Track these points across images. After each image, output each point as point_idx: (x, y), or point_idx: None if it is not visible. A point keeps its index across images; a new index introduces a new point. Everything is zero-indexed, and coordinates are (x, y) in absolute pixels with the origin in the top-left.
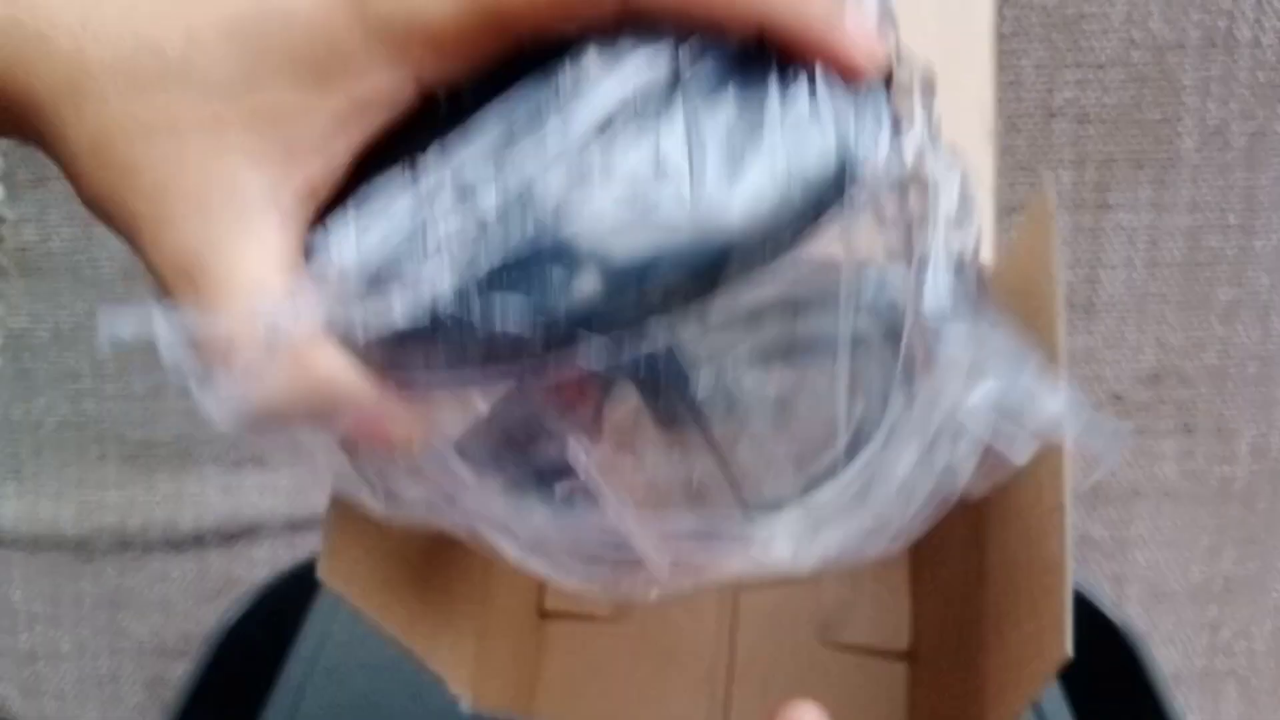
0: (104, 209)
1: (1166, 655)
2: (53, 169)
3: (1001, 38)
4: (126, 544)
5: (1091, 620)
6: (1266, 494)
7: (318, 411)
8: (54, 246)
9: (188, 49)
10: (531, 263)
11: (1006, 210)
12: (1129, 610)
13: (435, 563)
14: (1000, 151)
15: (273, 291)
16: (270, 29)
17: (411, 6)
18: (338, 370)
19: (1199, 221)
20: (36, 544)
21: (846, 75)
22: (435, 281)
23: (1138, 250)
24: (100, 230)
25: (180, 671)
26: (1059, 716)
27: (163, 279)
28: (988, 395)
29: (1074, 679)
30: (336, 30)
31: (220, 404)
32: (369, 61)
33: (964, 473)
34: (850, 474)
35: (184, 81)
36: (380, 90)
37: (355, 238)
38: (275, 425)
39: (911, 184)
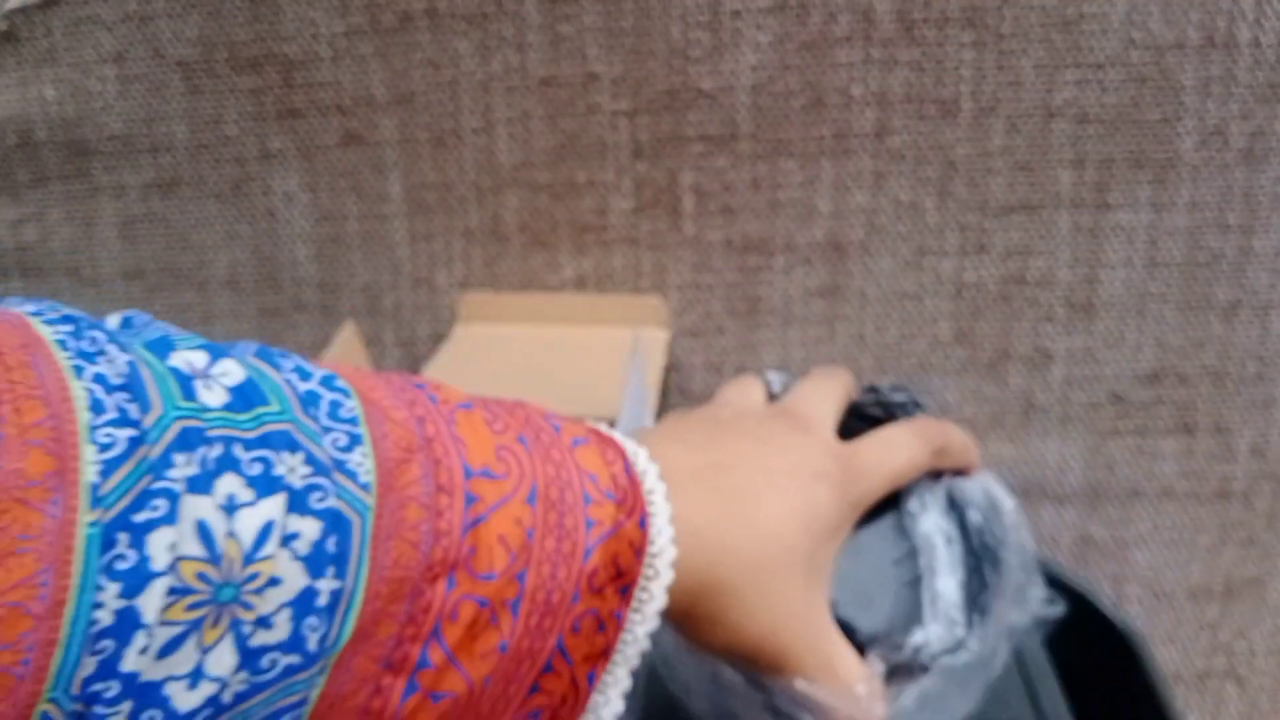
0: (747, 651)
1: (1166, 655)
2: (53, 169)
3: (1001, 37)
4: None
5: (1091, 620)
6: (1266, 494)
7: None
8: (54, 246)
9: (792, 539)
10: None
11: (1006, 210)
12: (1129, 610)
13: None
14: (999, 151)
15: (866, 677)
16: (817, 518)
17: (869, 489)
18: None
19: (1199, 221)
20: None
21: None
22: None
23: (1137, 250)
24: (100, 230)
25: None
26: (1059, 716)
27: (814, 674)
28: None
29: (1074, 679)
30: (841, 509)
31: None
32: (848, 521)
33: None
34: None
35: (791, 560)
36: (846, 535)
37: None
38: None
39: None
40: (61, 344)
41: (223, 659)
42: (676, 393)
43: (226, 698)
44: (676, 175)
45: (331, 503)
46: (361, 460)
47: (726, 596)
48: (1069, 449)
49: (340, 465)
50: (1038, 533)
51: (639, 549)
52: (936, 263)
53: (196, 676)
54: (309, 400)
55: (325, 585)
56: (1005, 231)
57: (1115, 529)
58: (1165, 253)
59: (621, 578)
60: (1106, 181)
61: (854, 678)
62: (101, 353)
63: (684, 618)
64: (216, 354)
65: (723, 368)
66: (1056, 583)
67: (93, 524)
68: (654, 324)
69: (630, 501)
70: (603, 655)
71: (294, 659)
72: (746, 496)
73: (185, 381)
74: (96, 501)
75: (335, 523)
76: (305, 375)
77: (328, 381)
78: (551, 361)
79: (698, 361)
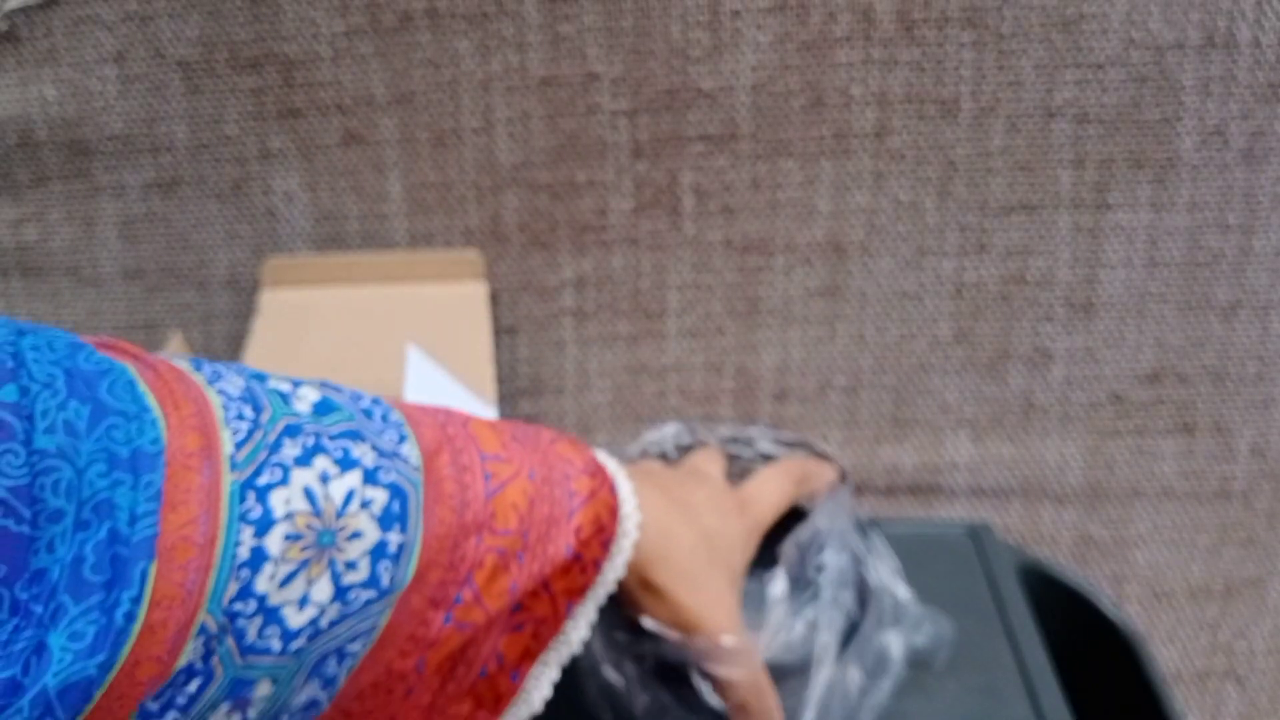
0: (679, 620)
1: (1166, 655)
2: (53, 169)
3: (1001, 38)
4: None
5: (1091, 620)
6: (1266, 494)
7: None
8: (54, 246)
9: (730, 554)
10: None
11: (1006, 210)
12: (1129, 610)
13: None
14: (999, 151)
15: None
16: (740, 542)
17: (763, 522)
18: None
19: (1199, 221)
20: None
21: None
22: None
23: (1137, 250)
24: (100, 230)
25: None
26: (1059, 716)
27: (711, 631)
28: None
29: (1074, 679)
30: (750, 537)
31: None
32: (751, 547)
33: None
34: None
35: (726, 567)
36: (750, 560)
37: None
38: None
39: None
40: (196, 367)
41: (323, 590)
42: (676, 393)
43: (323, 622)
44: (676, 175)
45: (394, 478)
46: (410, 450)
47: (675, 570)
48: (1069, 449)
49: (395, 454)
50: (1038, 533)
51: (614, 510)
52: (936, 263)
53: (304, 602)
54: (368, 413)
55: (394, 538)
56: (1005, 231)
57: (1115, 529)
58: (1165, 253)
59: (603, 532)
60: (1106, 181)
61: (747, 641)
62: (222, 376)
63: (640, 584)
64: (297, 383)
65: (723, 368)
66: (1056, 583)
67: (234, 483)
68: (471, 278)
69: (601, 477)
70: (581, 591)
71: (371, 594)
72: (688, 506)
73: (284, 396)
74: (234, 466)
75: (397, 492)
76: (358, 398)
77: (376, 401)
78: (371, 324)
79: (698, 362)
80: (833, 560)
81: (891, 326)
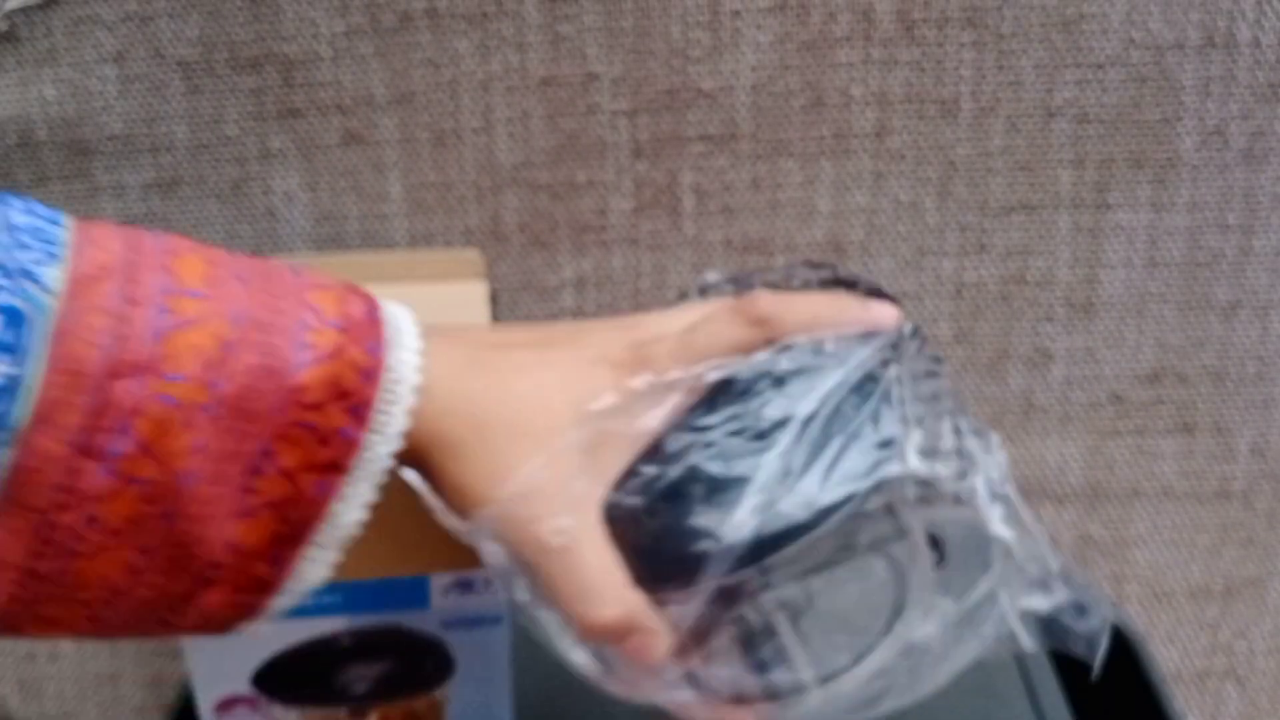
0: (474, 502)
1: (1166, 655)
2: (53, 169)
3: (1001, 37)
4: None
5: None
6: (1266, 494)
7: (620, 635)
8: None
9: (545, 411)
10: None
11: (1006, 210)
12: (1129, 610)
13: None
14: (999, 151)
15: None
16: (588, 397)
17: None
18: (644, 608)
19: (1199, 221)
20: None
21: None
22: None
23: (1137, 250)
24: None
25: (180, 671)
26: (1059, 716)
27: (542, 549)
28: (1040, 605)
29: (1074, 679)
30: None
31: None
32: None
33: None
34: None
35: (545, 428)
36: (648, 428)
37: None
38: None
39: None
40: None
41: None
42: None
43: None
44: (676, 175)
45: (9, 299)
46: (51, 273)
47: (456, 448)
48: (1069, 449)
49: (25, 273)
50: None
51: (368, 372)
52: (936, 263)
53: None
54: (15, 228)
55: (1, 369)
56: (1005, 231)
57: (1115, 529)
58: (1165, 253)
59: (348, 398)
60: (1106, 181)
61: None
62: None
63: (421, 462)
64: None
65: None
66: None
67: None
68: (471, 278)
69: (360, 332)
70: (333, 468)
71: None
72: (511, 371)
73: None
74: None
75: (12, 316)
76: (31, 211)
77: (51, 218)
78: None
79: None
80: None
81: None
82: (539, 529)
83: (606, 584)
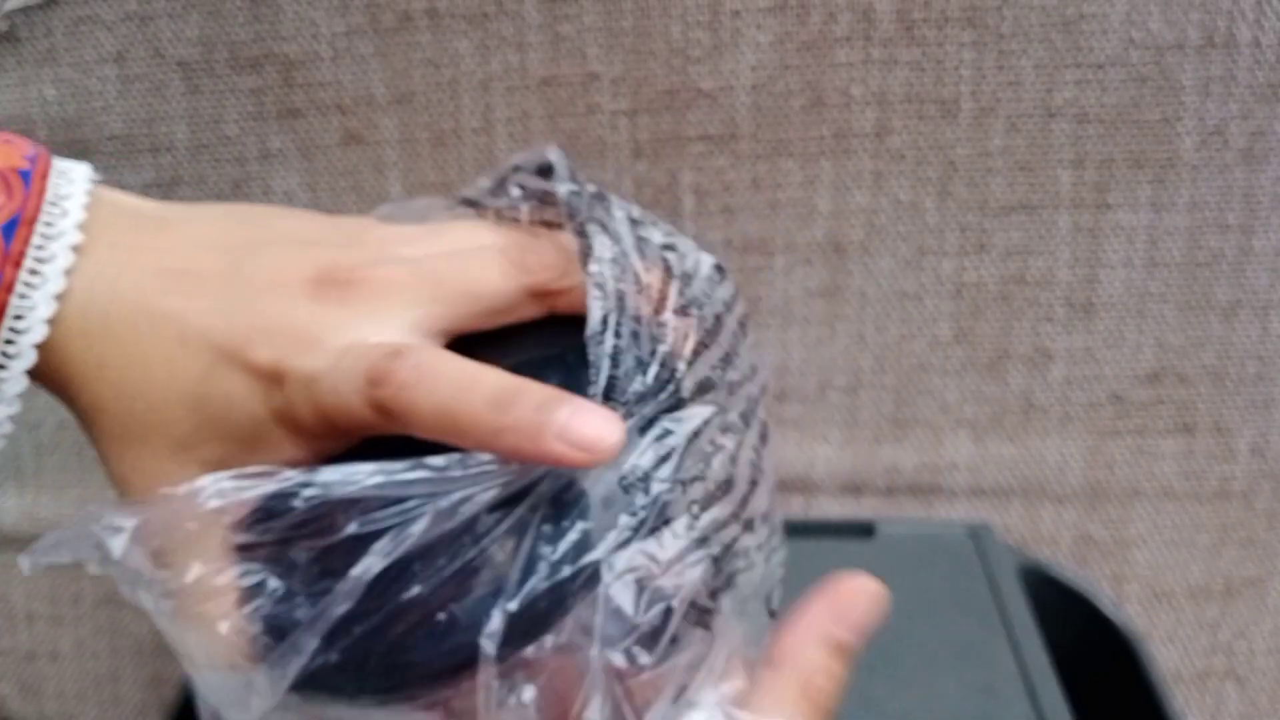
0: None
1: (1166, 655)
2: None
3: (1001, 37)
4: None
5: (1091, 620)
6: (1266, 494)
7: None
8: None
9: (164, 411)
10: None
11: (1006, 210)
12: (1129, 610)
13: None
14: (999, 151)
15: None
16: (215, 409)
17: (290, 408)
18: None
19: (1199, 221)
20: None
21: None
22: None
23: (1137, 250)
24: None
25: (180, 671)
26: (1059, 716)
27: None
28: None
29: (1074, 679)
30: (257, 417)
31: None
32: (278, 440)
33: None
34: None
35: (159, 433)
36: (288, 458)
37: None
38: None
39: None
40: None
41: None
42: None
43: None
44: (676, 175)
45: None
46: None
47: (83, 420)
48: (1069, 449)
49: None
50: (1038, 533)
51: None
52: (936, 263)
53: None
54: None
55: None
56: (1005, 231)
57: (1115, 529)
58: (1165, 253)
59: None
60: (1106, 181)
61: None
62: None
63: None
64: None
65: None
66: (1056, 583)
67: None
68: None
69: None
70: None
71: None
72: (146, 339)
73: None
74: None
75: None
76: None
77: None
78: None
79: None
80: None
81: (891, 326)
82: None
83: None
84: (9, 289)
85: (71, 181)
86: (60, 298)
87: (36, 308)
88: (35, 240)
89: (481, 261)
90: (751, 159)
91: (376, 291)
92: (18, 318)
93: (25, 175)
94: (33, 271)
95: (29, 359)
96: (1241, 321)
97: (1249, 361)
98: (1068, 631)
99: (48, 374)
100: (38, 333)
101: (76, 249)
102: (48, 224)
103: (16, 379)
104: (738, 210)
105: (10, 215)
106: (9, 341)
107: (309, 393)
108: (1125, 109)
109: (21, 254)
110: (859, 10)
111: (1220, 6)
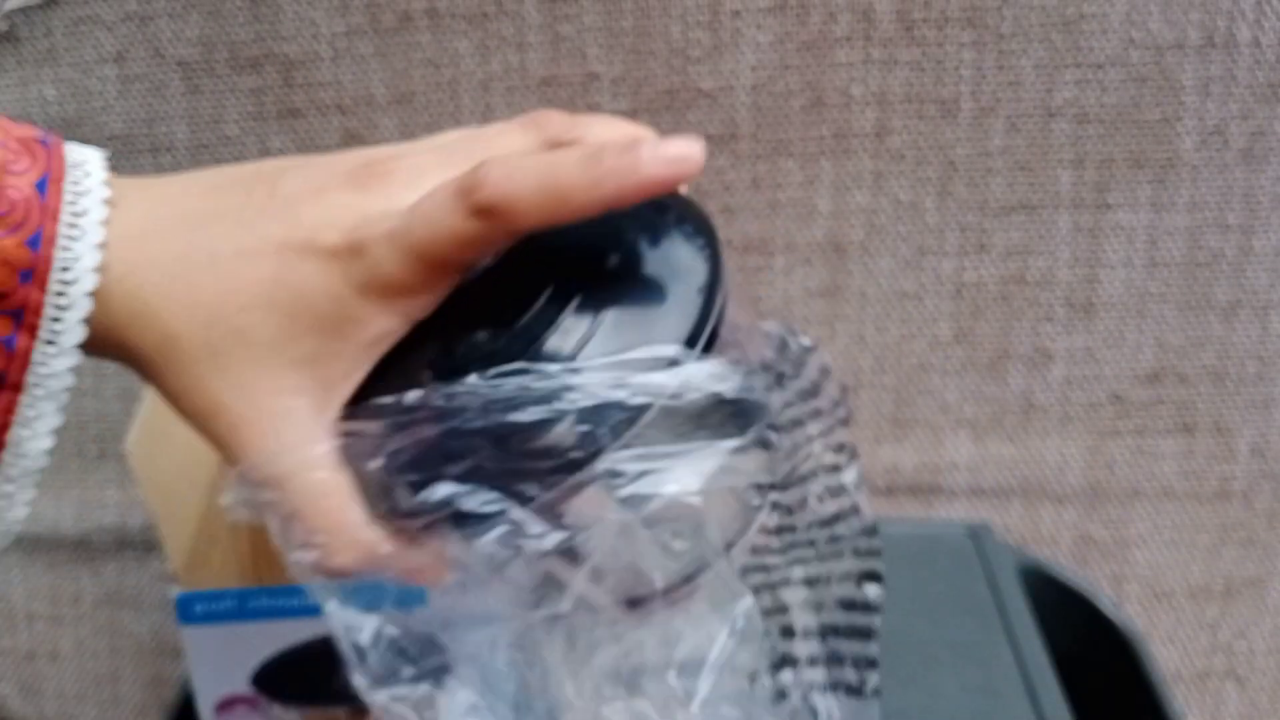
0: (197, 429)
1: (1166, 655)
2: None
3: (1001, 37)
4: (126, 544)
5: (1091, 620)
6: (1266, 494)
7: (372, 571)
8: None
9: (241, 318)
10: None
11: (1006, 210)
12: (1129, 610)
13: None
14: (999, 151)
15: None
16: (295, 303)
17: (377, 271)
18: (378, 543)
19: (1199, 221)
20: (36, 544)
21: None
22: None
23: (1137, 250)
24: None
25: (180, 671)
26: (1059, 716)
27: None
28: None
29: (1074, 679)
30: (340, 296)
31: (299, 568)
32: (367, 314)
33: None
34: None
35: (244, 342)
36: (380, 332)
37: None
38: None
39: None
40: None
41: None
42: None
43: None
44: None
45: None
46: None
47: (149, 367)
48: (1069, 449)
49: None
50: (1038, 533)
51: (28, 269)
52: (936, 263)
53: None
54: None
55: None
56: (1005, 231)
57: (1115, 529)
58: (1165, 253)
59: (2, 300)
60: (1106, 181)
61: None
62: None
63: (135, 366)
64: None
65: None
66: (1056, 583)
67: None
68: None
69: (20, 218)
70: (4, 384)
71: None
72: (203, 265)
73: None
74: None
75: None
76: None
77: None
78: None
79: None
80: None
81: (891, 326)
82: (260, 459)
83: (341, 525)
84: (51, 242)
85: (83, 150)
86: (102, 246)
87: (81, 258)
88: (67, 196)
89: (502, 132)
90: (751, 159)
91: (413, 174)
92: (64, 269)
93: (43, 142)
94: (71, 225)
95: (83, 308)
96: (1241, 321)
97: (1249, 361)
98: (1068, 631)
99: (105, 325)
100: (88, 281)
101: (108, 202)
102: (75, 181)
103: (74, 329)
104: (738, 210)
105: (40, 174)
106: (60, 294)
107: (394, 245)
108: (1125, 109)
109: (58, 208)
110: (859, 10)
111: (1220, 6)
